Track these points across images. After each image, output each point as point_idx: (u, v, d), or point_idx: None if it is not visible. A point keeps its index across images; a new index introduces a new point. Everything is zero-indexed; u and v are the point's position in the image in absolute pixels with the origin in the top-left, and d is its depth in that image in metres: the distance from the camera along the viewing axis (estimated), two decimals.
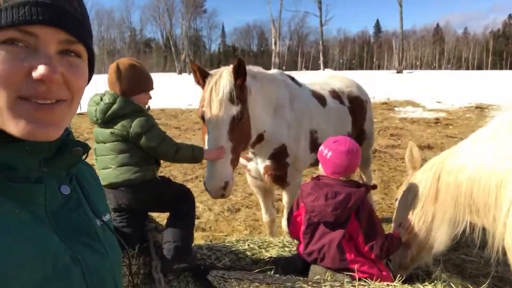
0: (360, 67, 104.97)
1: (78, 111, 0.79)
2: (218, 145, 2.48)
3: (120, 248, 0.96)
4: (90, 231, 0.85)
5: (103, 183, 2.26)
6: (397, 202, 2.60)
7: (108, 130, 2.33)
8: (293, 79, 3.39)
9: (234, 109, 2.50)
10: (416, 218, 2.32)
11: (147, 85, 2.46)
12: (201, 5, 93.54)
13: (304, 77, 3.63)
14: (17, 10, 0.65)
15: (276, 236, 3.66)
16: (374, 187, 2.54)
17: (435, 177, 2.19)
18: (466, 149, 2.07)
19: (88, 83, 0.84)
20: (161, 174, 2.64)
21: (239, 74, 2.53)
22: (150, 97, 2.52)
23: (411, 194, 2.38)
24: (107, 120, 2.32)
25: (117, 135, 2.32)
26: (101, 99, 2.33)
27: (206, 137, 2.56)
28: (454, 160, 2.10)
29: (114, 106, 2.29)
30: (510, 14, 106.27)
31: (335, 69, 75.94)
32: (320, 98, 3.45)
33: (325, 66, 56.12)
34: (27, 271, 0.66)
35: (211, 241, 4.07)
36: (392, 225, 2.63)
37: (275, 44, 49.55)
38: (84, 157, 0.88)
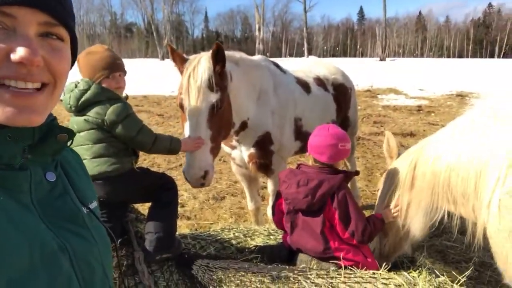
0: (344, 54, 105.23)
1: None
2: (197, 134, 2.41)
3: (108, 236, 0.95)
4: (77, 218, 0.84)
5: None
6: (379, 192, 2.61)
7: (82, 118, 2.21)
8: (277, 65, 3.34)
9: (213, 97, 2.41)
10: (393, 205, 2.34)
11: (115, 67, 2.31)
12: None
13: (288, 64, 3.59)
14: None
15: (261, 224, 3.66)
16: (356, 173, 2.54)
17: (412, 165, 2.18)
18: (444, 138, 2.06)
19: (71, 67, 0.83)
20: (145, 163, 2.56)
21: (218, 60, 2.44)
22: (120, 83, 2.36)
23: (388, 181, 2.39)
24: (80, 108, 2.20)
25: (91, 123, 2.19)
26: (76, 86, 2.22)
27: (185, 125, 2.48)
28: (432, 149, 2.09)
29: (88, 93, 2.18)
30: (490, 3, 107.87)
31: (319, 56, 75.93)
32: (304, 85, 3.41)
33: (309, 53, 56.08)
34: (14, 259, 0.65)
35: (196, 230, 4.05)
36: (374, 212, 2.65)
37: (259, 30, 49.16)
38: (69, 143, 0.86)
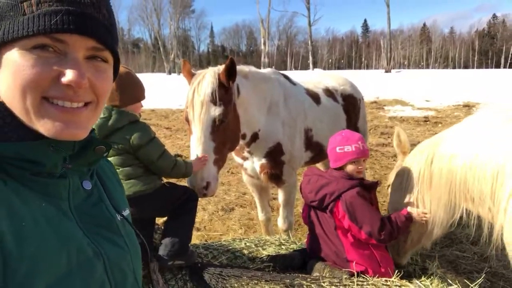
0: (349, 66, 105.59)
1: None
2: (201, 146, 2.47)
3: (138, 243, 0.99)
4: (111, 225, 0.87)
5: None
6: (389, 189, 2.61)
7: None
8: (287, 77, 3.40)
9: (216, 110, 2.48)
10: (414, 202, 2.33)
11: (143, 94, 2.42)
12: (189, 5, 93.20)
13: (294, 76, 3.64)
14: (50, 18, 0.68)
15: (272, 234, 3.67)
16: (375, 183, 2.48)
17: (428, 161, 2.19)
18: (459, 135, 2.07)
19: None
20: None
21: (231, 74, 2.52)
22: (142, 106, 2.47)
23: (405, 178, 2.40)
24: (105, 136, 2.24)
25: (117, 149, 2.25)
26: None
27: (191, 138, 2.56)
28: (447, 145, 2.10)
29: (111, 121, 2.21)
30: (494, 14, 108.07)
31: (324, 68, 76.26)
32: (314, 96, 3.46)
33: (314, 66, 56.36)
34: (53, 263, 0.68)
35: (206, 241, 4.06)
36: (388, 211, 2.64)
37: (264, 44, 49.62)
38: (105, 154, 0.90)
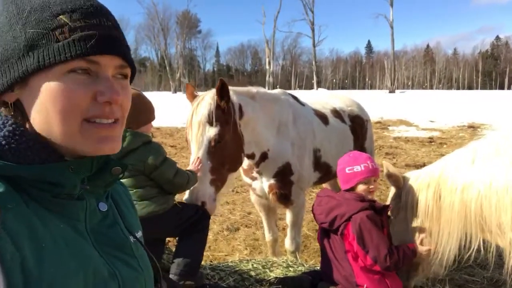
0: (353, 86, 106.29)
1: None
2: (199, 164, 2.51)
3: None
4: (125, 247, 0.88)
5: None
6: (391, 217, 2.55)
7: None
8: (295, 98, 3.44)
9: (212, 131, 2.52)
10: (421, 236, 2.30)
11: (153, 115, 2.47)
12: (196, 25, 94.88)
13: (299, 96, 3.68)
14: (85, 43, 0.72)
15: (278, 255, 3.63)
16: (385, 206, 2.43)
17: (436, 196, 2.15)
18: (465, 164, 2.02)
19: None
20: None
21: (223, 95, 2.56)
22: (152, 126, 2.51)
23: (409, 212, 2.36)
24: (120, 157, 2.23)
25: (132, 170, 2.26)
26: None
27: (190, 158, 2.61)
28: (457, 177, 2.05)
29: (126, 143, 2.23)
30: (497, 36, 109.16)
31: (328, 88, 76.81)
32: (322, 117, 3.49)
33: (319, 86, 56.76)
34: (72, 283, 0.70)
35: (211, 261, 4.01)
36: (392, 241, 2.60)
37: (269, 64, 50.17)
38: (122, 175, 0.91)
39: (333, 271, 2.28)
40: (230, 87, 2.66)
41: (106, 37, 0.75)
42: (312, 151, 3.26)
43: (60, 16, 0.73)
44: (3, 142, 0.72)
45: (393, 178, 2.45)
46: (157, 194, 2.33)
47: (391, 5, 50.51)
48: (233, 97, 2.69)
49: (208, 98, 2.60)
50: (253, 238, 4.97)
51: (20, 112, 0.75)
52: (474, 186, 1.93)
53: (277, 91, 3.38)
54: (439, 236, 2.18)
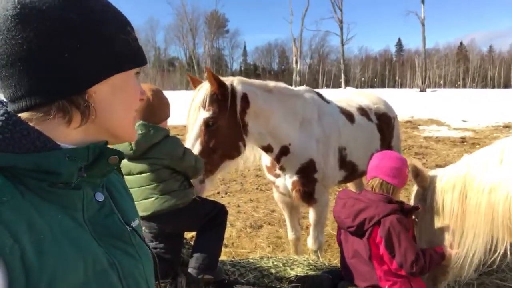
0: (382, 85, 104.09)
1: None
2: (190, 146, 2.58)
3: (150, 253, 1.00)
4: (123, 236, 0.89)
5: (146, 213, 2.27)
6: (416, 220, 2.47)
7: (147, 161, 2.29)
8: (320, 95, 3.40)
9: (204, 114, 2.62)
10: (449, 240, 2.22)
11: (170, 111, 2.51)
12: (224, 25, 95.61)
13: (325, 94, 3.63)
14: (142, 55, 0.89)
15: (300, 254, 3.59)
16: (415, 208, 2.36)
17: (462, 197, 2.06)
18: (493, 164, 1.93)
19: None
20: None
21: (212, 82, 2.63)
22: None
23: (436, 214, 2.28)
24: (144, 151, 2.28)
25: (156, 164, 2.29)
26: None
27: None
28: (482, 177, 1.96)
29: (150, 136, 2.26)
30: None
31: (356, 87, 75.54)
32: (348, 115, 3.43)
33: (347, 84, 55.99)
34: (72, 274, 0.70)
35: (233, 258, 4.03)
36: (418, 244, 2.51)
37: (296, 62, 49.90)
38: (118, 164, 0.92)
39: (354, 272, 2.22)
40: (239, 78, 2.84)
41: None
42: (337, 149, 3.21)
43: (127, 27, 0.85)
44: None
45: (420, 178, 2.36)
46: (178, 187, 2.36)
47: (423, 2, 49.05)
48: (238, 86, 2.75)
49: (205, 85, 2.70)
50: (276, 236, 4.96)
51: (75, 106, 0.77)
52: (503, 187, 1.84)
53: (302, 88, 3.37)
54: (462, 239, 2.09)
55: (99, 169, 0.85)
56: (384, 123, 3.81)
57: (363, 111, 3.66)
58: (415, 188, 2.46)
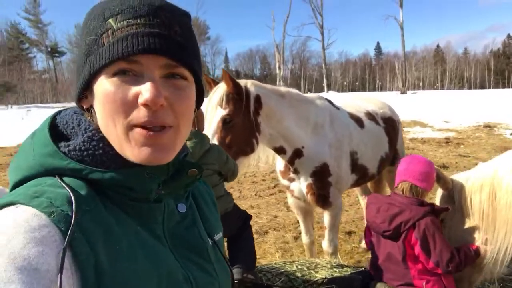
0: (363, 88, 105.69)
1: None
2: None
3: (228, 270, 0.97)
4: (202, 251, 0.87)
5: None
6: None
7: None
8: (330, 102, 3.50)
9: (220, 112, 2.75)
10: (483, 238, 2.30)
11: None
12: (205, 32, 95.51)
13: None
14: (121, 43, 0.69)
15: (314, 257, 3.67)
16: (445, 209, 2.42)
17: (491, 197, 2.17)
18: None
19: (199, 107, 0.87)
20: None
21: (226, 82, 2.77)
22: None
23: (466, 213, 2.37)
24: (198, 158, 2.34)
25: (209, 170, 2.37)
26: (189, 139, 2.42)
27: None
28: (511, 178, 2.09)
29: (202, 144, 2.36)
30: (509, 34, 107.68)
31: (338, 91, 76.41)
32: (357, 120, 3.54)
33: (328, 89, 56.55)
34: (144, 284, 0.70)
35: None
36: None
37: (279, 68, 50.25)
38: (199, 177, 0.88)
39: (387, 273, 2.30)
40: (253, 81, 2.99)
41: (144, 35, 0.70)
42: (349, 154, 3.31)
43: (109, 20, 0.71)
44: (82, 148, 0.73)
45: (442, 181, 2.48)
46: (224, 192, 2.48)
47: (401, 6, 50.25)
48: (251, 88, 2.90)
49: (221, 85, 2.84)
50: (282, 241, 5.01)
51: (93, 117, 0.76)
52: None
53: (314, 95, 3.47)
54: (494, 236, 2.20)
55: (179, 183, 0.85)
56: (390, 127, 3.94)
57: (370, 115, 3.78)
58: (439, 191, 2.57)
